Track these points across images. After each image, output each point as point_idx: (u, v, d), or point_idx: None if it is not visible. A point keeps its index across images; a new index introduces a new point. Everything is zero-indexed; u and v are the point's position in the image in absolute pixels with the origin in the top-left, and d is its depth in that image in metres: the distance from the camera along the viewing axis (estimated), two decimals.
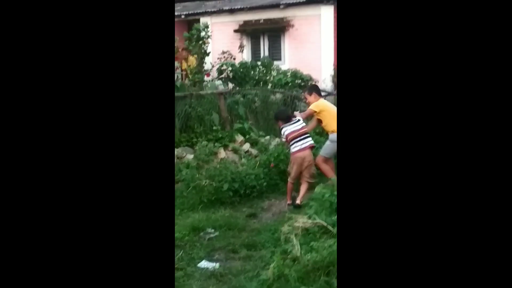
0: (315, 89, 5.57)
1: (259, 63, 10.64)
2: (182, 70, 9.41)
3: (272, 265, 2.98)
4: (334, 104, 5.50)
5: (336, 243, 2.83)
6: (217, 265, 3.42)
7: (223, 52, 10.83)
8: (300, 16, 11.59)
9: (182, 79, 9.28)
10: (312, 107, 5.28)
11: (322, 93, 10.50)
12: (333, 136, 5.16)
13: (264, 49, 12.32)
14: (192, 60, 9.16)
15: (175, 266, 3.26)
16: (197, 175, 5.19)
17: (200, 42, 8.92)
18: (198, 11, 12.66)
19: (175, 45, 7.52)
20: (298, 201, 4.84)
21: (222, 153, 6.35)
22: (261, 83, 10.04)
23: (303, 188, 4.93)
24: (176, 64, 8.81)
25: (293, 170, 4.96)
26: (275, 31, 12.05)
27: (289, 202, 4.93)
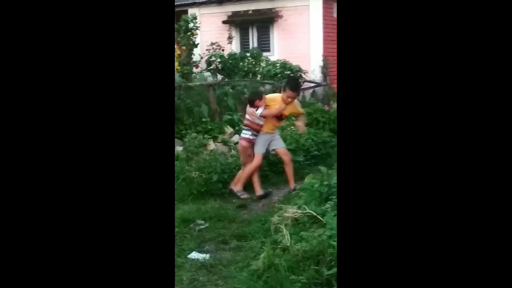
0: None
1: (248, 54, 10.60)
2: None
3: (262, 255, 2.99)
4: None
5: (325, 232, 2.85)
6: (207, 256, 3.42)
7: (212, 44, 10.78)
8: (289, 7, 11.55)
9: None
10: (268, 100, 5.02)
11: (311, 84, 10.57)
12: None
13: (253, 40, 12.27)
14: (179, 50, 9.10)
15: None
16: (187, 167, 5.17)
17: (189, 33, 8.87)
18: (186, 2, 12.55)
19: None
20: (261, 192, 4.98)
21: (212, 145, 6.34)
22: (250, 74, 10.03)
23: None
24: None
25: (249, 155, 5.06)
26: (264, 22, 12.00)
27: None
